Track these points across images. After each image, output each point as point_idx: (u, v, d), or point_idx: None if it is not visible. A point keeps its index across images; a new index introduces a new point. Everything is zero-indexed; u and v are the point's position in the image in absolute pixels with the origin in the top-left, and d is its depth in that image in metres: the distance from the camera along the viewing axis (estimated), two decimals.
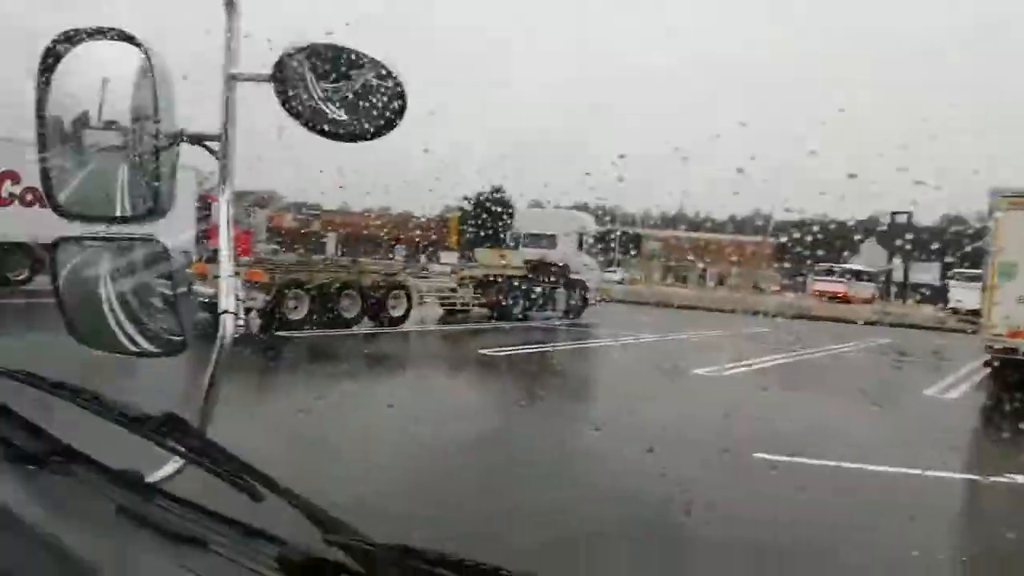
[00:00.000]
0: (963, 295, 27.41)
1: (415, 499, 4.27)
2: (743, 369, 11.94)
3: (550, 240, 20.94)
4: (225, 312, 1.40)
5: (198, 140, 1.47)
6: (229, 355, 1.34)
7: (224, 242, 1.48)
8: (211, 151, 1.46)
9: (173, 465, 1.17)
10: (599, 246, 23.86)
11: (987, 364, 11.72)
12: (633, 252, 46.33)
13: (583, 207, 23.59)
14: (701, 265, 45.82)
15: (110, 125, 1.60)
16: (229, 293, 1.43)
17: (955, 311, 28.73)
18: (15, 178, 16.28)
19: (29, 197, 15.96)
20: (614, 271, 38.70)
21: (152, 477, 1.10)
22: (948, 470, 6.19)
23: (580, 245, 21.21)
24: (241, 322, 1.41)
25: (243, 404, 6.73)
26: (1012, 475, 5.69)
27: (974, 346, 12.62)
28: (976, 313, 13.89)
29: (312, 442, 5.51)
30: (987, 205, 12.30)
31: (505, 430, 6.87)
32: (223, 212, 1.48)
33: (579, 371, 12.89)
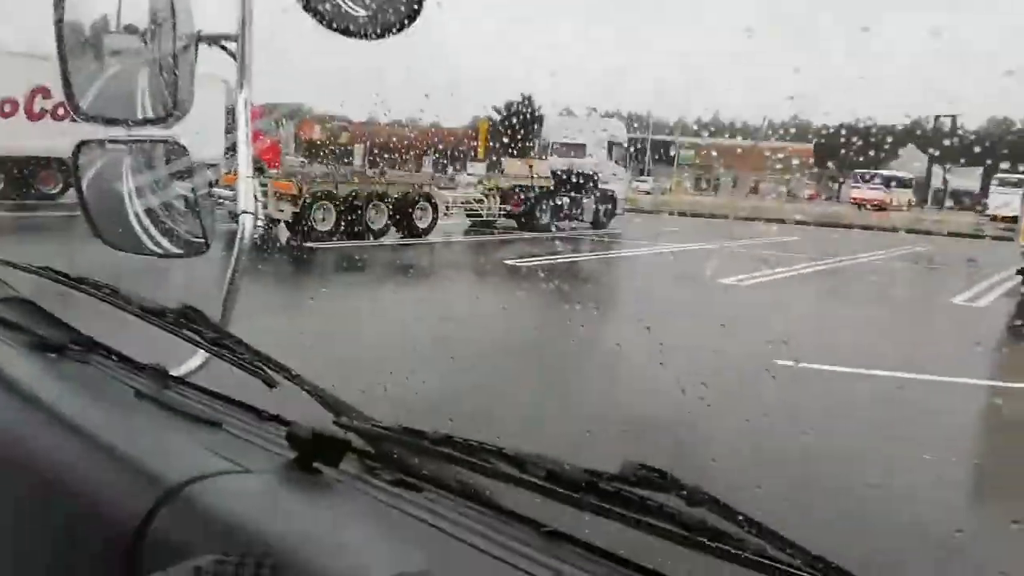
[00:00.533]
0: (1004, 200, 26.59)
1: (437, 397, 4.43)
2: (770, 278, 11.88)
3: (579, 149, 20.59)
4: (244, 212, 1.43)
5: (215, 40, 1.47)
6: (249, 254, 1.38)
7: (242, 144, 1.50)
8: (228, 52, 1.46)
9: (195, 360, 1.22)
10: (630, 154, 23.41)
11: (1021, 271, 11.47)
12: (665, 160, 45.38)
13: (615, 114, 23.01)
14: (734, 173, 44.82)
15: (128, 29, 1.60)
16: (248, 194, 1.46)
17: (994, 218, 27.98)
18: (47, 94, 16.35)
19: (60, 111, 16.03)
20: (645, 180, 38.09)
21: (176, 370, 1.16)
22: (970, 376, 6.20)
23: (610, 154, 20.84)
24: (260, 222, 1.44)
25: (269, 307, 6.90)
26: None
27: (1011, 253, 12.36)
28: (1015, 219, 13.51)
29: (332, 342, 5.69)
30: None
31: (527, 335, 7.00)
32: (241, 113, 1.49)
33: (603, 281, 12.93)
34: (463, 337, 6.45)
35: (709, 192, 44.72)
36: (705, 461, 3.01)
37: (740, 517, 0.71)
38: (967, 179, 38.48)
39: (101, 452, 0.81)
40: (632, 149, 24.10)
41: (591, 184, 19.44)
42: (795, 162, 39.26)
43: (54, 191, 17.33)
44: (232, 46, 1.42)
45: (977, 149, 35.43)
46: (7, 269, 1.28)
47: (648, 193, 35.29)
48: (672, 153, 45.29)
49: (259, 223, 1.49)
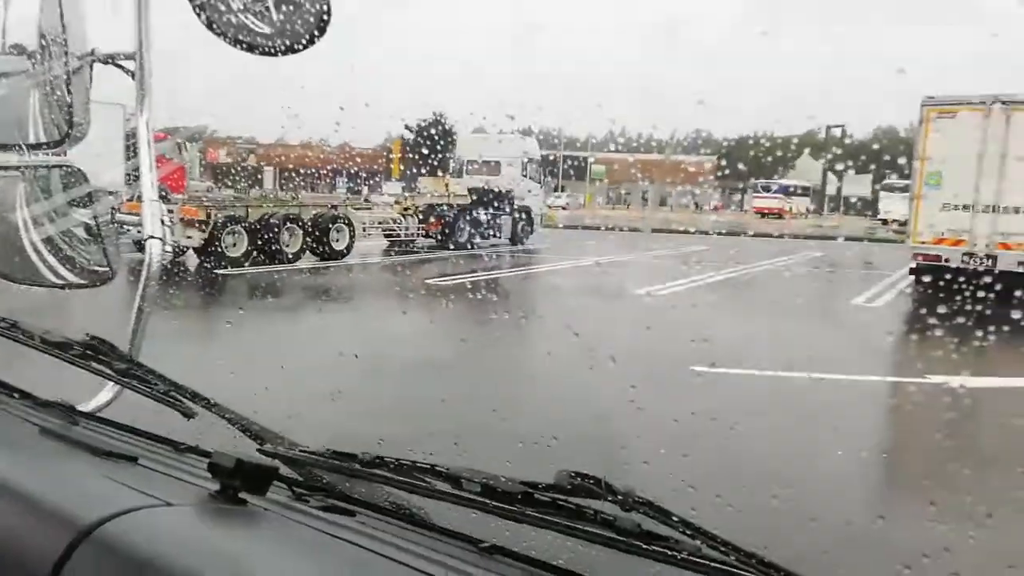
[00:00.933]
0: (892, 205, 28.54)
1: (365, 419, 4.34)
2: (681, 287, 12.26)
3: (494, 166, 20.77)
4: (151, 237, 1.38)
5: (111, 59, 1.41)
6: (157, 280, 1.32)
7: (145, 167, 1.44)
8: (125, 70, 1.40)
9: (105, 394, 1.16)
10: (544, 171, 23.76)
11: (912, 271, 12.27)
12: (578, 176, 46.26)
13: (527, 132, 23.32)
14: (644, 187, 46.13)
15: (16, 49, 1.52)
16: (154, 218, 1.40)
17: (884, 221, 29.96)
18: None
19: None
20: (559, 196, 38.71)
21: (83, 406, 1.09)
22: (872, 374, 6.56)
23: (524, 170, 21.09)
24: (168, 247, 1.39)
25: (182, 336, 6.63)
26: (933, 376, 6.01)
27: (902, 255, 13.18)
28: (904, 223, 14.48)
29: (252, 370, 5.51)
30: (919, 115, 12.51)
31: (453, 352, 6.97)
32: (142, 134, 1.43)
33: (524, 296, 13.04)
34: (389, 358, 6.36)
35: (621, 206, 45.82)
36: (638, 465, 3.07)
37: (675, 519, 0.72)
38: (858, 186, 40.85)
39: (6, 495, 0.75)
40: (545, 166, 24.48)
41: (508, 201, 19.61)
42: (703, 172, 40.80)
43: None
44: (130, 65, 1.37)
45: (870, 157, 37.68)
46: None
47: (564, 208, 35.86)
48: (584, 169, 46.24)
49: (167, 249, 1.43)
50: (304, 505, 0.81)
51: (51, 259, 1.45)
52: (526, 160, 21.18)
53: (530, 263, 17.31)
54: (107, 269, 1.46)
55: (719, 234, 24.03)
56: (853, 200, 41.28)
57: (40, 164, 1.52)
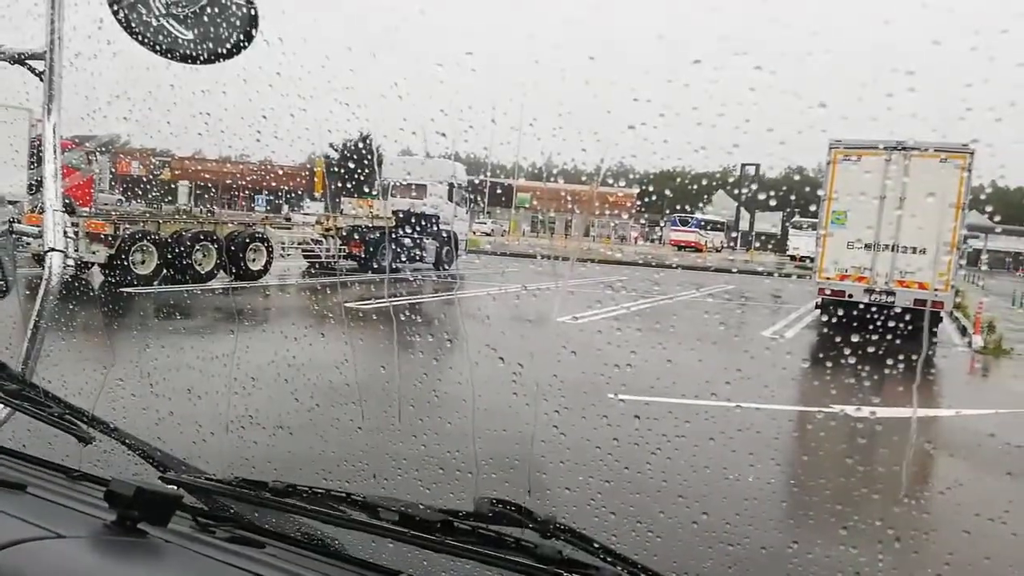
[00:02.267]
0: (800, 242, 30.08)
1: (277, 446, 4.20)
2: (601, 316, 12.48)
3: (420, 190, 20.72)
4: (52, 250, 1.30)
5: (19, 59, 1.34)
6: (56, 296, 1.24)
7: (50, 174, 1.36)
8: (33, 71, 1.33)
9: None
10: (470, 196, 23.85)
11: (818, 306, 12.90)
12: (504, 203, 46.63)
13: (454, 156, 23.40)
14: (568, 217, 46.92)
15: None
16: (57, 229, 1.32)
17: (792, 257, 31.53)
18: None
19: None
20: (484, 222, 38.94)
21: None
22: (779, 403, 6.82)
23: (451, 195, 21.12)
24: (71, 261, 1.31)
25: (79, 356, 6.27)
26: (837, 406, 6.27)
27: (808, 289, 13.84)
28: (811, 259, 15.26)
29: (156, 394, 5.26)
30: (826, 157, 13.22)
31: (370, 378, 6.84)
32: (48, 140, 1.36)
33: (448, 322, 12.97)
34: (303, 383, 6.18)
35: (545, 234, 46.43)
36: (560, 492, 3.07)
37: (596, 546, 0.72)
38: (769, 223, 42.80)
39: None
40: (472, 191, 24.58)
41: (433, 225, 19.57)
42: (626, 203, 41.83)
43: None
44: (39, 66, 1.30)
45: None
46: None
47: (488, 235, 36.09)
48: (510, 196, 46.67)
49: (69, 263, 1.35)
50: (209, 536, 0.77)
51: None
52: (453, 184, 21.23)
53: (453, 288, 17.28)
54: (1, 283, 1.37)
55: (638, 264, 24.66)
56: (764, 236, 43.16)
57: None
